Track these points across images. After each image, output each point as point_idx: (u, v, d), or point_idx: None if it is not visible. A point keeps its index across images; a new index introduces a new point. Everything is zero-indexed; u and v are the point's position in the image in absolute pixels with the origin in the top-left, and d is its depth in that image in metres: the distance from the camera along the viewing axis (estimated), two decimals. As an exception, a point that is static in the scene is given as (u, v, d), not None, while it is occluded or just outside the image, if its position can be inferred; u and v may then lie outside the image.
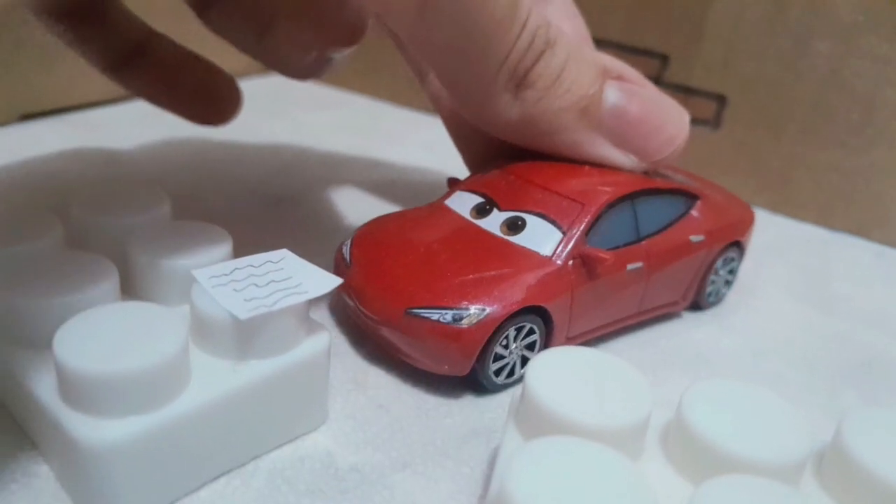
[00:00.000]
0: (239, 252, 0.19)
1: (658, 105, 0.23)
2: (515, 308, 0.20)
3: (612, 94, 0.23)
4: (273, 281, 0.17)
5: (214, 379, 0.16)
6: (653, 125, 0.23)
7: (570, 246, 0.21)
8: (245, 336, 0.16)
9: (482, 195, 0.23)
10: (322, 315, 0.23)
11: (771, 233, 0.33)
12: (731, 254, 0.26)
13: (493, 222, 0.22)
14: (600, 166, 0.23)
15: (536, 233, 0.21)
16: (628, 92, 0.23)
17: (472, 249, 0.21)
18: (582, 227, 0.21)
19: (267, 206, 0.31)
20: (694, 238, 0.24)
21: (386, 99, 0.47)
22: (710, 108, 0.35)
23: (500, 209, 0.22)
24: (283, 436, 0.18)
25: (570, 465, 0.13)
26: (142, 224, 0.20)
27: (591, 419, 0.15)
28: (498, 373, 0.20)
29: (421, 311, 0.20)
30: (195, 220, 0.20)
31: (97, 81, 0.39)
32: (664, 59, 0.35)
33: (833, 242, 0.33)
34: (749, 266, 0.30)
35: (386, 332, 0.20)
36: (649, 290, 0.23)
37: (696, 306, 0.26)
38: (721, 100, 0.35)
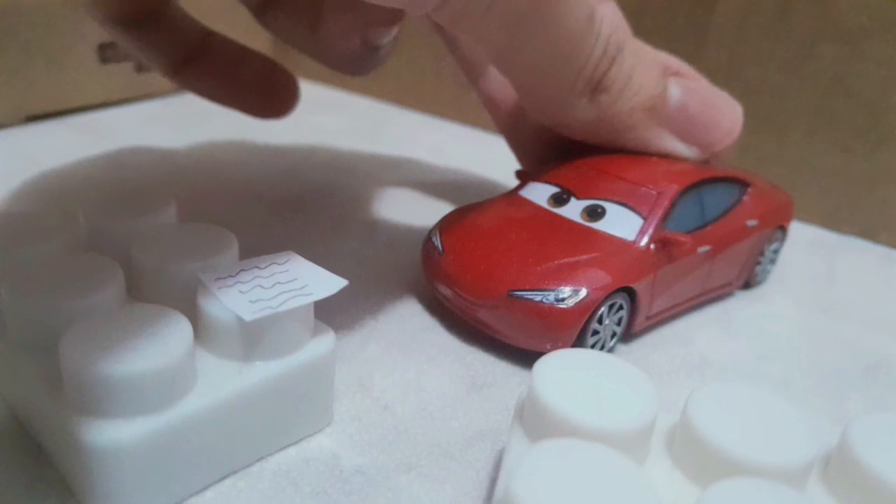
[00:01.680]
0: (245, 255, 0.19)
1: (715, 98, 0.25)
2: (611, 289, 0.21)
3: (675, 92, 0.24)
4: (278, 283, 0.17)
5: (220, 380, 0.16)
6: (712, 118, 0.25)
7: (651, 230, 0.23)
8: (250, 337, 0.16)
9: (558, 185, 0.25)
10: (328, 317, 0.23)
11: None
12: (777, 236, 0.28)
13: (573, 210, 0.24)
14: (664, 157, 0.25)
15: (617, 219, 0.23)
16: (689, 88, 0.25)
17: (558, 236, 0.23)
18: (661, 213, 0.23)
19: (273, 210, 0.31)
20: (749, 222, 0.26)
21: (391, 101, 0.47)
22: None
23: (577, 198, 0.24)
24: (289, 437, 0.18)
25: (576, 468, 0.13)
26: (147, 227, 0.20)
27: (596, 422, 0.15)
28: (593, 346, 0.22)
29: (524, 294, 0.21)
30: (201, 222, 0.20)
31: (103, 83, 0.40)
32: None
33: (839, 246, 0.33)
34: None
35: (487, 315, 0.22)
36: (713, 272, 0.25)
37: (746, 285, 0.28)
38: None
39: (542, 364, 0.16)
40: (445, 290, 0.23)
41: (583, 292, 0.21)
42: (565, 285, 0.21)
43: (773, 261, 0.29)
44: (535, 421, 0.15)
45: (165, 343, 0.15)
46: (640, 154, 0.25)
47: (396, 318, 0.24)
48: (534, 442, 0.15)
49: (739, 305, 0.27)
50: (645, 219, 0.23)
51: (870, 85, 0.32)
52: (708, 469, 0.15)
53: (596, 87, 0.22)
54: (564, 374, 0.16)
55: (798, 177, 0.34)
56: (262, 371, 0.17)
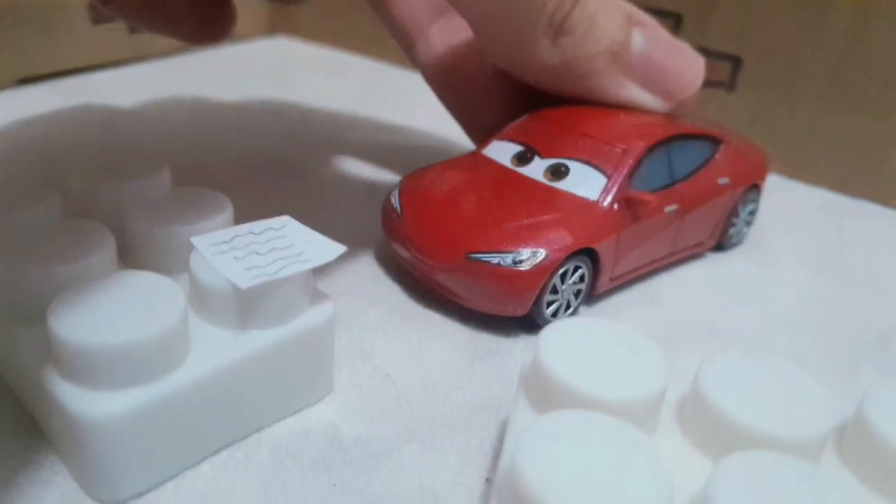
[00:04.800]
0: (241, 219, 0.18)
1: (678, 49, 0.25)
2: (571, 251, 0.21)
3: (639, 39, 0.24)
4: (275, 249, 0.17)
5: (215, 349, 0.16)
6: (675, 68, 0.25)
7: (614, 190, 0.22)
8: (246, 305, 0.16)
9: (521, 143, 0.24)
10: (327, 283, 0.23)
11: (785, 199, 0.32)
12: (752, 196, 0.27)
13: (536, 169, 0.23)
14: (629, 111, 0.25)
15: (581, 178, 0.22)
16: (652, 37, 0.24)
17: (520, 196, 0.22)
18: (625, 172, 0.22)
19: (270, 173, 0.30)
20: (721, 181, 0.26)
21: (394, 62, 0.46)
22: (724, 69, 0.34)
23: (541, 157, 0.23)
24: (287, 408, 0.17)
25: (583, 440, 0.13)
26: (140, 192, 0.19)
27: (603, 392, 0.14)
28: (553, 312, 0.22)
29: (481, 256, 0.21)
30: (196, 186, 0.20)
31: (97, 45, 0.39)
32: (678, 18, 0.34)
33: (849, 210, 0.33)
34: (762, 234, 0.29)
35: (444, 278, 0.21)
36: (682, 232, 0.25)
37: (720, 247, 0.27)
38: (736, 62, 0.34)
39: (547, 332, 0.16)
40: (403, 252, 0.22)
41: (541, 254, 0.20)
42: (524, 247, 0.20)
43: (748, 222, 0.28)
44: (540, 391, 0.15)
45: (157, 311, 0.15)
46: (605, 107, 0.24)
47: (397, 285, 0.23)
48: (539, 412, 0.15)
49: (745, 271, 0.26)
50: (609, 177, 0.22)
51: (884, 49, 0.31)
52: (721, 441, 0.14)
53: (559, 28, 0.22)
54: (571, 342, 0.15)
55: (808, 138, 0.33)
56: (258, 339, 0.16)
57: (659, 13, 0.34)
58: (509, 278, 0.20)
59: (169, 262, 0.18)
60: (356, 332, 0.21)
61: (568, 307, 0.22)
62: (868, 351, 0.23)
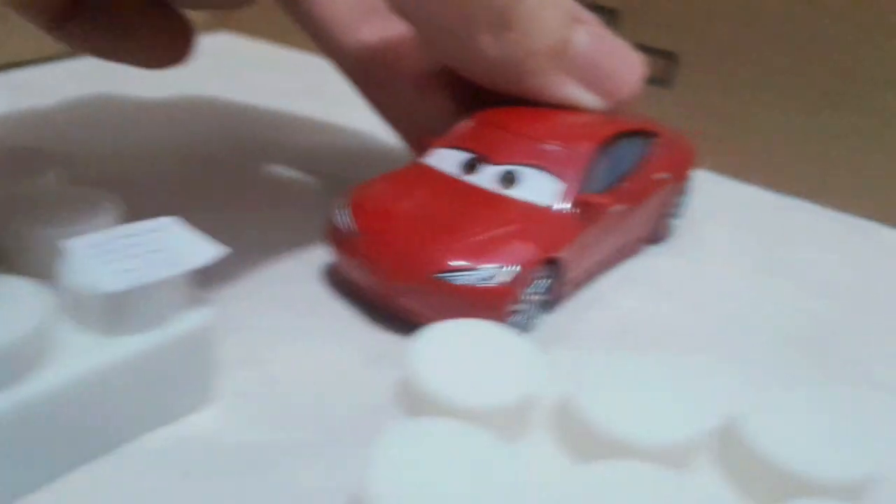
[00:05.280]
0: (156, 216, 0.17)
1: (618, 48, 0.25)
2: (541, 261, 0.20)
3: (582, 38, 0.24)
4: (151, 251, 0.16)
5: (78, 355, 0.15)
6: (616, 67, 0.25)
7: (571, 194, 0.22)
8: (114, 309, 0.15)
9: (467, 150, 0.23)
10: (220, 284, 0.22)
11: (719, 195, 0.32)
12: (684, 188, 0.28)
13: (487, 178, 0.22)
14: (570, 111, 0.24)
15: (535, 184, 0.22)
16: (594, 35, 0.24)
17: (475, 207, 0.21)
18: (579, 175, 0.22)
19: (195, 169, 0.30)
20: (660, 175, 0.26)
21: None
22: (661, 66, 0.34)
23: (491, 163, 0.22)
24: (165, 415, 0.17)
25: (432, 449, 0.12)
26: (24, 192, 0.19)
27: (463, 399, 0.14)
28: (521, 323, 0.21)
29: (448, 276, 0.20)
30: (88, 187, 0.19)
31: (32, 39, 0.37)
32: (613, 14, 0.34)
33: (783, 207, 0.33)
34: (694, 229, 0.29)
35: (408, 300, 0.20)
36: (628, 229, 0.25)
37: (655, 241, 0.27)
38: (672, 58, 0.34)
39: (423, 337, 0.15)
40: (358, 274, 0.21)
41: (512, 268, 0.20)
42: (492, 262, 0.20)
43: (679, 216, 0.28)
44: (408, 398, 0.15)
45: (13, 316, 0.14)
46: (546, 107, 0.24)
47: (297, 288, 0.23)
48: (410, 419, 0.15)
49: (670, 266, 0.26)
50: (563, 182, 0.22)
51: (817, 41, 0.31)
52: (588, 448, 0.14)
53: (502, 23, 0.22)
54: (443, 348, 0.15)
55: (744, 135, 0.33)
56: (127, 345, 0.15)
57: (595, 8, 0.34)
58: (481, 295, 0.20)
59: (40, 265, 0.17)
60: (247, 337, 0.20)
61: (531, 317, 0.22)
62: (787, 346, 0.23)
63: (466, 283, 0.20)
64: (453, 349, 0.15)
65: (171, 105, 0.37)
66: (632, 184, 0.24)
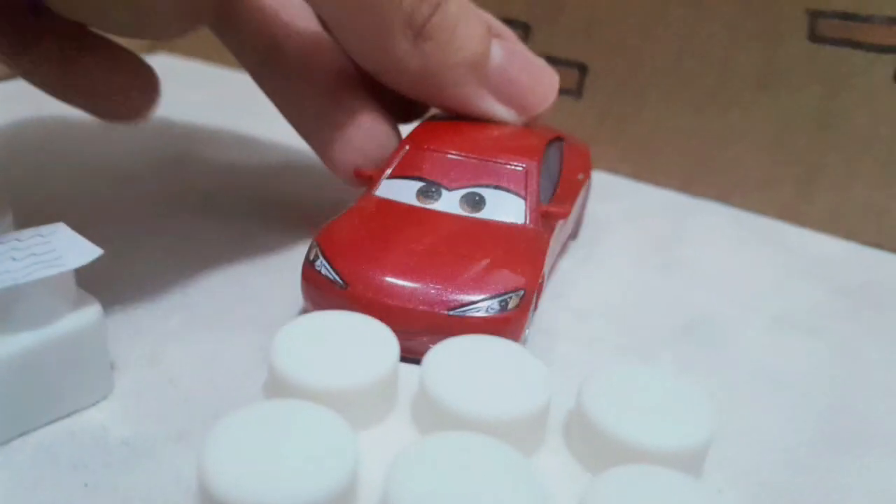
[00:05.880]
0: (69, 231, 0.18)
1: (534, 64, 0.26)
2: (540, 277, 0.21)
3: (498, 53, 0.24)
4: (33, 254, 0.17)
5: (-43, 355, 0.16)
6: (531, 82, 0.25)
7: (534, 208, 0.23)
8: (-4, 309, 0.16)
9: (417, 179, 0.23)
10: (129, 288, 0.23)
11: (631, 200, 0.34)
12: (589, 186, 0.29)
13: (452, 204, 0.22)
14: (497, 125, 0.25)
15: (500, 204, 0.22)
16: (510, 50, 0.25)
17: (459, 237, 0.21)
18: (535, 189, 0.23)
19: (112, 185, 0.30)
20: (578, 176, 0.27)
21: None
22: (572, 77, 0.35)
23: (447, 189, 0.23)
24: (55, 411, 0.18)
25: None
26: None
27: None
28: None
29: (464, 311, 0.20)
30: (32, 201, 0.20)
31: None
32: (526, 28, 0.35)
33: (693, 209, 0.34)
34: (599, 235, 0.30)
35: (422, 342, 0.19)
36: (565, 232, 0.26)
37: (574, 237, 0.29)
38: (582, 68, 0.35)
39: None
40: None
41: (521, 291, 0.20)
42: (501, 289, 0.20)
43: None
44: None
45: None
46: (466, 121, 0.25)
47: (207, 291, 0.23)
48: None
49: (566, 268, 0.27)
50: (524, 198, 0.23)
51: (718, 46, 0.32)
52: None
53: (419, 31, 0.22)
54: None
55: (655, 139, 0.35)
56: (8, 344, 0.16)
57: (507, 22, 0.35)
58: (500, 323, 0.20)
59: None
60: (152, 338, 0.21)
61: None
62: (670, 339, 0.24)
63: (481, 314, 0.20)
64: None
65: (103, 125, 0.37)
66: (562, 189, 0.25)
